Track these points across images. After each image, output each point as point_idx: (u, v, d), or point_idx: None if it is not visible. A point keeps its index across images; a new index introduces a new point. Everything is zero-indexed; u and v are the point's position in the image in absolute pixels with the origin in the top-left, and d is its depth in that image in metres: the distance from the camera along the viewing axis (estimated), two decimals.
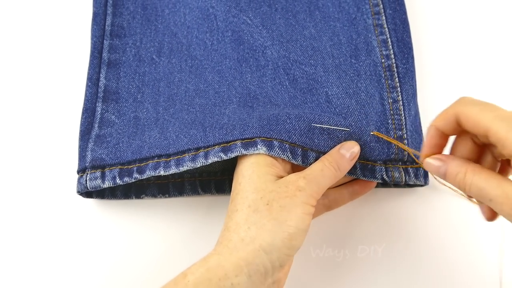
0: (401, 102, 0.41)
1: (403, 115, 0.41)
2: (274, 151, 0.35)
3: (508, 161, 0.30)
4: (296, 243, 0.32)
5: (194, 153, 0.38)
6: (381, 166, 0.39)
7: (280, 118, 0.37)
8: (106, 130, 0.42)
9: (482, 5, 0.50)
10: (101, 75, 0.44)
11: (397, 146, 0.39)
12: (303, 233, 0.32)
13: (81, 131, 0.42)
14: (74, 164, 0.41)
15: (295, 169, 0.37)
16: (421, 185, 0.41)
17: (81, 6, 0.50)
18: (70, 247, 0.41)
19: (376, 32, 0.45)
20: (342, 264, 0.40)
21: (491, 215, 0.31)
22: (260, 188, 0.33)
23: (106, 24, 0.46)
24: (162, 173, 0.38)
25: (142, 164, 0.39)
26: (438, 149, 0.32)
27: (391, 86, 0.42)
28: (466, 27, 0.49)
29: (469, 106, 0.28)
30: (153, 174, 0.38)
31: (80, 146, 0.41)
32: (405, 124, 0.40)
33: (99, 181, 0.39)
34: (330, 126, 0.38)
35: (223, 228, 0.33)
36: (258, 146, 0.35)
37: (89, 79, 0.44)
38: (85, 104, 0.43)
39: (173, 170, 0.38)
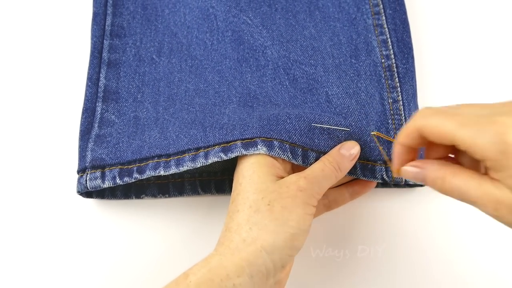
0: (401, 102, 0.41)
1: (403, 115, 0.41)
2: (274, 151, 0.35)
3: None
4: (298, 244, 0.32)
5: (194, 153, 0.38)
6: (381, 166, 0.39)
7: (280, 118, 0.37)
8: (106, 130, 0.42)
9: (482, 5, 0.50)
10: (101, 75, 0.44)
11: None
12: (304, 233, 0.32)
13: (81, 131, 0.42)
14: (74, 164, 0.41)
15: (295, 169, 0.37)
16: (421, 185, 0.41)
17: (81, 6, 0.50)
18: (70, 247, 0.41)
19: (376, 32, 0.45)
20: (342, 264, 0.40)
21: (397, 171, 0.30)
22: (261, 189, 0.33)
23: (106, 24, 0.46)
24: (162, 173, 0.38)
25: (142, 164, 0.39)
26: (412, 159, 0.30)
27: (391, 86, 0.42)
28: (466, 27, 0.49)
29: (430, 119, 0.27)
30: (153, 174, 0.38)
31: (80, 146, 0.41)
32: (405, 124, 0.40)
33: (99, 181, 0.39)
34: (330, 126, 0.38)
35: (224, 228, 0.33)
36: (259, 146, 0.35)
37: (89, 79, 0.43)
38: (85, 104, 0.43)
39: (173, 170, 0.38)
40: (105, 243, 0.41)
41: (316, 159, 0.36)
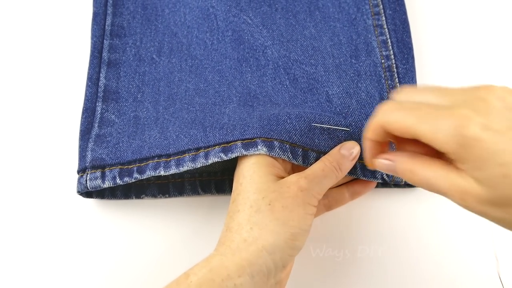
0: None
1: None
2: (275, 151, 0.35)
3: None
4: (299, 243, 0.32)
5: (194, 153, 0.38)
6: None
7: (281, 118, 0.37)
8: (106, 130, 0.42)
9: (482, 5, 0.51)
10: (101, 74, 0.44)
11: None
12: (305, 233, 0.32)
13: (81, 130, 0.41)
14: (74, 164, 0.41)
15: (295, 169, 0.37)
16: None
17: (81, 6, 0.50)
18: (70, 247, 0.41)
19: (376, 32, 0.45)
20: (342, 264, 0.40)
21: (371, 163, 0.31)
22: (262, 189, 0.33)
23: (106, 24, 0.46)
24: (162, 173, 0.38)
25: (142, 164, 0.39)
26: (384, 151, 0.31)
27: (391, 86, 0.42)
28: (466, 27, 0.49)
29: (391, 114, 0.27)
30: (153, 174, 0.38)
31: (80, 146, 0.41)
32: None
33: (99, 181, 0.39)
34: (330, 126, 0.38)
35: (225, 228, 0.33)
36: (259, 146, 0.35)
37: (89, 78, 0.43)
38: (85, 103, 0.43)
39: (173, 170, 0.38)
40: (105, 243, 0.41)
41: (317, 159, 0.36)
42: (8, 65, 0.48)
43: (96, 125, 0.42)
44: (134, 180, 0.38)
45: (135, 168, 0.39)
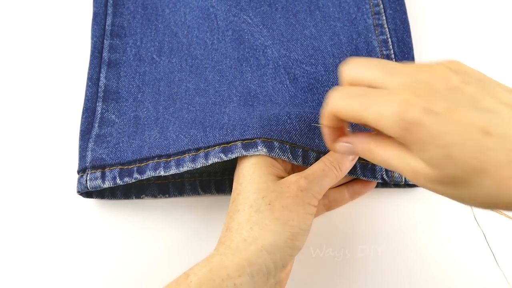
0: None
1: None
2: (275, 152, 0.35)
3: None
4: (299, 243, 0.32)
5: (194, 153, 0.38)
6: (381, 166, 0.39)
7: (281, 118, 0.37)
8: (106, 130, 0.42)
9: (482, 5, 0.50)
10: (101, 74, 0.44)
11: None
12: (305, 233, 0.32)
13: (81, 131, 0.42)
14: (74, 164, 0.41)
15: (295, 169, 0.37)
16: None
17: (81, 6, 0.50)
18: (70, 247, 0.41)
19: (377, 32, 0.45)
20: (342, 264, 0.40)
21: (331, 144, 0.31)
22: (262, 188, 0.33)
23: (107, 24, 0.46)
24: (162, 173, 0.38)
25: (142, 164, 0.39)
26: (342, 134, 0.31)
27: None
28: (466, 27, 0.49)
29: (339, 102, 0.27)
30: (153, 174, 0.38)
31: (80, 146, 0.41)
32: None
33: (99, 181, 0.39)
34: None
35: (225, 228, 0.33)
36: (259, 147, 0.35)
37: (89, 78, 0.43)
38: (85, 103, 0.43)
39: (173, 170, 0.38)
40: (105, 243, 0.41)
41: (317, 159, 0.36)
42: (8, 65, 0.48)
43: (96, 125, 0.42)
44: (134, 180, 0.38)
45: (135, 168, 0.39)
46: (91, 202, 0.42)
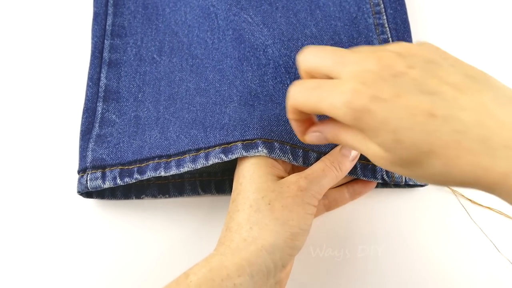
0: None
1: None
2: (275, 153, 0.35)
3: None
4: (298, 243, 0.32)
5: (194, 154, 0.38)
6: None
7: (281, 119, 0.37)
8: (106, 130, 0.42)
9: (482, 5, 0.50)
10: (101, 74, 0.44)
11: None
12: (305, 233, 0.32)
13: (81, 131, 0.42)
14: (74, 164, 0.41)
15: (295, 169, 0.37)
16: (421, 186, 0.41)
17: (82, 6, 0.50)
18: (70, 247, 0.41)
19: (377, 31, 0.45)
20: (342, 264, 0.40)
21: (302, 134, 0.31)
22: (262, 188, 0.33)
23: (107, 24, 0.46)
24: (162, 174, 0.38)
25: (142, 165, 0.39)
26: (311, 125, 0.32)
27: None
28: (466, 27, 0.49)
29: (297, 96, 0.28)
30: (153, 174, 0.38)
31: (80, 146, 0.41)
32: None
33: (99, 181, 0.39)
34: None
35: (224, 228, 0.33)
36: (259, 148, 0.35)
37: (90, 78, 0.43)
38: (85, 103, 0.43)
39: (173, 171, 0.37)
40: (105, 243, 0.41)
41: (317, 160, 0.36)
42: (8, 65, 0.48)
43: (96, 125, 0.42)
44: (134, 181, 0.38)
45: (135, 169, 0.39)
46: (91, 202, 0.42)
